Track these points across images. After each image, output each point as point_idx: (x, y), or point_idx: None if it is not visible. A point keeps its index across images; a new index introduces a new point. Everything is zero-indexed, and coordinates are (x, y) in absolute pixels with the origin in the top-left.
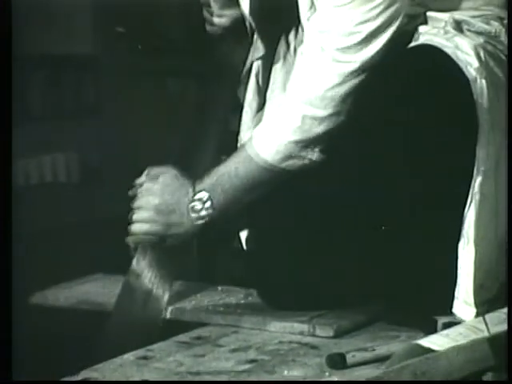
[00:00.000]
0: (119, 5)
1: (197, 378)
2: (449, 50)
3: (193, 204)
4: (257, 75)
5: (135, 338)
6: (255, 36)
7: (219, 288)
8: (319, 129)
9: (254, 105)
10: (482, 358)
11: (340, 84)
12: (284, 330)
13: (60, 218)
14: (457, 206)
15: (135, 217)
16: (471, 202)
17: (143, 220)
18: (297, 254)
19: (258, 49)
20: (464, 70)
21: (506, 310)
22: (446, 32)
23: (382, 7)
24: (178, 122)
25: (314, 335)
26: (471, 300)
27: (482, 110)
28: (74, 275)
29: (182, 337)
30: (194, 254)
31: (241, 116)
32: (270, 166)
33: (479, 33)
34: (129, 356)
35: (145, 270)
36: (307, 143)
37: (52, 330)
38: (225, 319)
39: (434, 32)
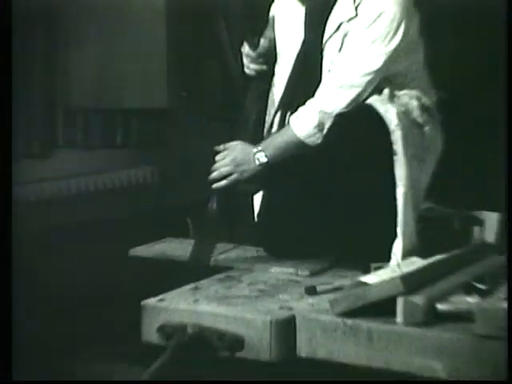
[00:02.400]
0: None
1: (226, 302)
2: (381, 111)
3: (256, 156)
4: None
5: (196, 274)
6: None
7: (240, 246)
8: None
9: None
10: (396, 287)
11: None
12: (280, 271)
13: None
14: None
15: (221, 169)
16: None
17: (226, 170)
18: (288, 226)
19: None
20: (388, 124)
21: (414, 258)
22: (383, 100)
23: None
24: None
25: (297, 275)
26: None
27: (397, 146)
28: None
29: (218, 276)
30: (225, 227)
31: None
32: (298, 140)
33: (402, 104)
34: (186, 287)
35: (199, 236)
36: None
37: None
38: (243, 265)
39: (377, 98)
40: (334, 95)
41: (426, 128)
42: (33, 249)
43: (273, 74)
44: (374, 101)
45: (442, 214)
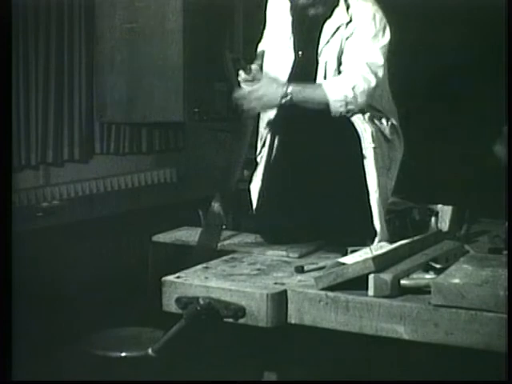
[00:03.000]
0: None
1: (231, 278)
2: (359, 129)
3: (283, 99)
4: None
5: (205, 257)
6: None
7: (242, 234)
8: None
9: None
10: (369, 267)
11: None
12: (274, 254)
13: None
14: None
15: (248, 102)
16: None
17: (251, 104)
18: (281, 217)
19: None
20: (363, 141)
21: (383, 243)
22: (363, 120)
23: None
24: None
25: (288, 257)
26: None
27: (369, 161)
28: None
29: (224, 258)
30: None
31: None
32: (325, 101)
33: (377, 125)
34: (197, 267)
35: (208, 224)
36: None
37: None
38: (245, 249)
39: (359, 117)
40: (361, 80)
41: (393, 142)
42: (80, 233)
43: None
44: (357, 119)
45: (405, 207)
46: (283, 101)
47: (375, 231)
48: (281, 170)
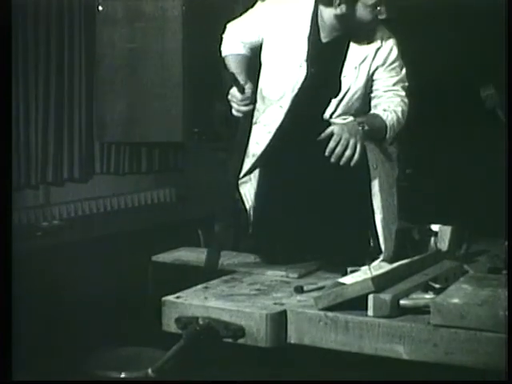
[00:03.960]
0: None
1: (230, 299)
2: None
3: (359, 128)
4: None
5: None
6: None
7: (242, 254)
8: None
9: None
10: (368, 287)
11: None
12: (273, 274)
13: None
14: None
15: (341, 142)
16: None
17: (346, 140)
18: (278, 238)
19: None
20: (370, 163)
21: (382, 263)
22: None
23: None
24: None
25: (288, 277)
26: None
27: (375, 183)
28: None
29: (224, 278)
30: (230, 240)
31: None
32: (383, 129)
33: (381, 143)
34: (197, 287)
35: (209, 246)
36: None
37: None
38: (244, 269)
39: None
40: (404, 107)
41: (395, 161)
42: (79, 253)
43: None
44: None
45: (405, 227)
46: (361, 129)
47: (376, 251)
48: (280, 189)
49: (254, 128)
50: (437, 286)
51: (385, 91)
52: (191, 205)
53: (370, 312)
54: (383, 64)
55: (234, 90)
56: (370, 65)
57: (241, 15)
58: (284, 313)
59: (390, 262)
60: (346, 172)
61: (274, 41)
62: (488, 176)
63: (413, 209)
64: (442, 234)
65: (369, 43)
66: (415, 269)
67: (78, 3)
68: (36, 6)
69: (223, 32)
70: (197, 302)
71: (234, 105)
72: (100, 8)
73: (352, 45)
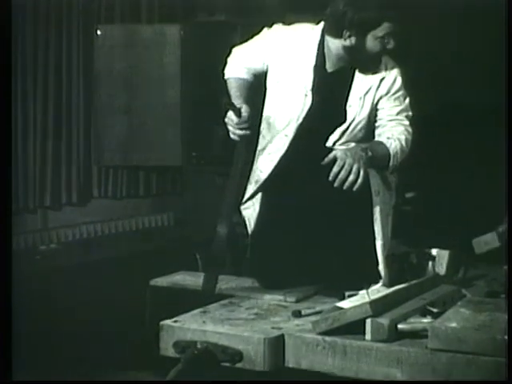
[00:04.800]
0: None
1: (228, 323)
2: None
3: (362, 153)
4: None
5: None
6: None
7: (240, 278)
8: None
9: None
10: (366, 311)
11: None
12: (271, 298)
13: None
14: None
15: (345, 167)
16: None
17: (350, 164)
18: (277, 263)
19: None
20: (372, 189)
21: (380, 287)
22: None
23: None
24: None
25: (286, 301)
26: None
27: (376, 209)
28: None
29: (222, 302)
30: (228, 265)
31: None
32: (387, 157)
33: (382, 170)
34: (195, 311)
35: (206, 270)
36: None
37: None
38: (242, 293)
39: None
40: (407, 135)
41: (393, 188)
42: (77, 277)
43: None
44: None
45: (403, 251)
46: (365, 155)
47: (375, 276)
48: (281, 214)
49: (259, 155)
50: (435, 310)
51: (389, 120)
52: (189, 229)
53: (368, 336)
54: (387, 93)
55: (230, 113)
56: (375, 95)
57: (246, 41)
58: (282, 337)
59: (388, 286)
60: (346, 198)
61: (280, 69)
62: (487, 200)
63: (411, 233)
64: (439, 258)
65: (373, 73)
66: (413, 293)
67: (77, 27)
68: (35, 29)
69: (228, 55)
70: (195, 326)
71: (230, 128)
72: (98, 32)
73: (357, 75)
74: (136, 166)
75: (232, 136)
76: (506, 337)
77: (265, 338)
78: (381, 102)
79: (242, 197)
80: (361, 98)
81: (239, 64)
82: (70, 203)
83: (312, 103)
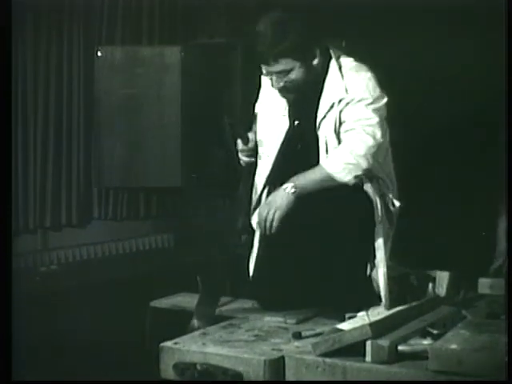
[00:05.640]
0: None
1: (228, 345)
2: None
3: (286, 190)
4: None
5: (203, 323)
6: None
7: (239, 300)
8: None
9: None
10: (366, 333)
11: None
12: (271, 320)
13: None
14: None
15: (263, 213)
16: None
17: (266, 212)
18: (278, 285)
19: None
20: (376, 212)
21: (380, 309)
22: (374, 190)
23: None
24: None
25: (286, 323)
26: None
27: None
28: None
29: (222, 324)
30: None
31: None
32: (328, 175)
33: (383, 197)
34: (195, 333)
35: (205, 292)
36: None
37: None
38: (242, 315)
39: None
40: (358, 142)
41: (394, 214)
42: (77, 298)
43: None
44: (369, 189)
45: (403, 272)
46: (287, 192)
47: (375, 298)
48: (279, 237)
49: (256, 175)
50: (435, 331)
51: (345, 131)
52: (189, 250)
53: (368, 358)
54: (345, 107)
55: (239, 141)
56: (337, 112)
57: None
58: (282, 359)
59: (388, 308)
60: (348, 225)
61: (264, 95)
62: (487, 222)
63: (411, 254)
64: (439, 279)
65: (334, 90)
66: (413, 315)
67: (78, 48)
68: (36, 51)
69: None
70: (195, 348)
71: (240, 154)
72: (99, 53)
73: (322, 95)
74: (136, 188)
75: (242, 163)
76: (507, 358)
77: (265, 359)
78: (342, 117)
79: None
80: (325, 117)
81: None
82: (70, 224)
83: (289, 126)
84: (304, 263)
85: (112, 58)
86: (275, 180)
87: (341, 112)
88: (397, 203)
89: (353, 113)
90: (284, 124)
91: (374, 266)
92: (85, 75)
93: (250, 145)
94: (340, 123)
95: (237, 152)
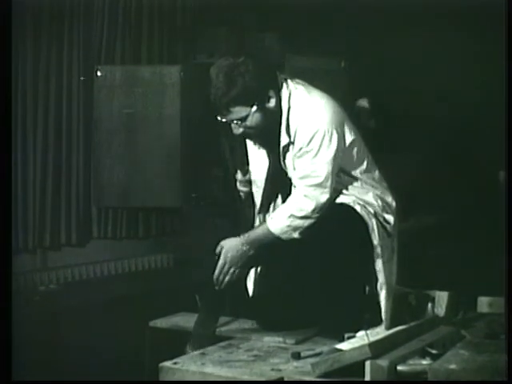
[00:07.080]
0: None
1: (228, 365)
2: (369, 225)
3: (242, 248)
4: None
5: (202, 344)
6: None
7: (239, 319)
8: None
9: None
10: (365, 353)
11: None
12: (271, 340)
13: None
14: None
15: (220, 268)
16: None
17: (223, 266)
18: (276, 305)
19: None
20: (372, 237)
21: (379, 329)
22: (370, 214)
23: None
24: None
25: (285, 343)
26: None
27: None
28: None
29: (221, 344)
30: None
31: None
32: (273, 235)
33: (379, 219)
34: (194, 353)
35: (205, 313)
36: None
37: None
38: (242, 335)
39: (363, 211)
40: (299, 203)
41: (394, 235)
42: (76, 318)
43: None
44: (365, 213)
45: (402, 292)
46: (242, 251)
47: (375, 319)
48: (281, 259)
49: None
50: (434, 351)
51: (296, 180)
52: (189, 270)
53: (368, 378)
54: (296, 155)
55: (238, 172)
56: (291, 156)
57: None
58: (281, 379)
59: (388, 328)
60: (345, 248)
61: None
62: (487, 241)
63: (410, 274)
64: (439, 299)
65: (285, 135)
66: (412, 334)
67: (77, 68)
68: (35, 71)
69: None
70: (194, 368)
71: (238, 185)
72: (99, 73)
73: (280, 136)
74: (135, 207)
75: (241, 193)
76: (506, 378)
77: (264, 380)
78: (295, 161)
79: None
80: (285, 158)
81: None
82: (69, 243)
83: (269, 161)
84: (303, 283)
85: (111, 77)
86: (266, 210)
87: (293, 158)
88: (391, 219)
89: (300, 165)
90: (265, 161)
91: (375, 288)
92: (84, 95)
93: (248, 176)
94: (294, 166)
95: (235, 182)
